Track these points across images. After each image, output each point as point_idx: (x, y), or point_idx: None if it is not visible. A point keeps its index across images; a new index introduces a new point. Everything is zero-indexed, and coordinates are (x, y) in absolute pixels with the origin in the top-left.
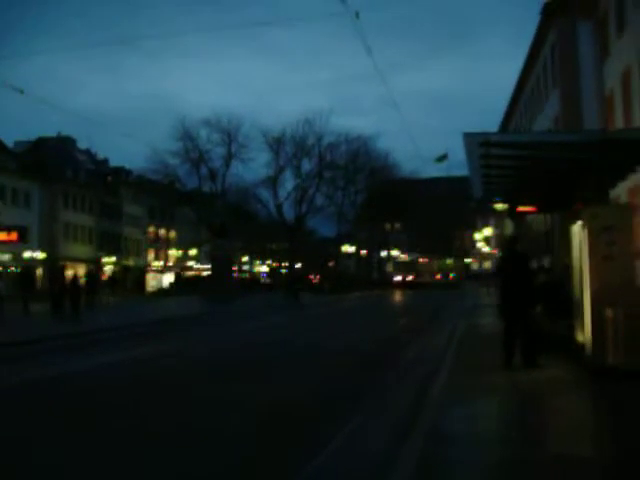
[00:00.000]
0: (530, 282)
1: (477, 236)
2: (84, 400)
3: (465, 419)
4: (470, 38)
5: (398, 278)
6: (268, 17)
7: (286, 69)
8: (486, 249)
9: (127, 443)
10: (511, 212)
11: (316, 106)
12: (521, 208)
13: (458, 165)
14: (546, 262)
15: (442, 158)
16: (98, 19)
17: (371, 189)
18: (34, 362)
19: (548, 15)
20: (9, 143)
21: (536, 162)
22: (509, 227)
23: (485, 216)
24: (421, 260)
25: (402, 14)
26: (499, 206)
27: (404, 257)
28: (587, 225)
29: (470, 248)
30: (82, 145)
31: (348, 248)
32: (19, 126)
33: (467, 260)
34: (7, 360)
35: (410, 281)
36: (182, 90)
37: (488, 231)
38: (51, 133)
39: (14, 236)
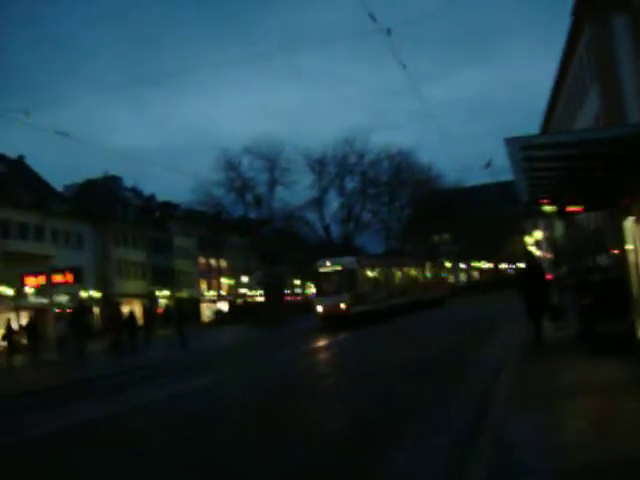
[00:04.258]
0: (545, 287)
1: (528, 240)
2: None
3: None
4: (499, 43)
5: (320, 309)
6: (293, 44)
7: (318, 91)
8: (538, 252)
9: None
10: (560, 213)
11: (353, 125)
12: (569, 208)
13: (505, 169)
14: (601, 260)
15: (487, 165)
16: (118, 59)
17: (416, 202)
18: (135, 391)
19: (580, 13)
20: (58, 187)
21: (580, 161)
22: (559, 228)
23: (534, 219)
24: (365, 272)
25: (427, 24)
26: (547, 208)
27: (329, 266)
28: None
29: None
30: (128, 183)
31: None
32: (66, 170)
33: (520, 265)
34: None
35: (341, 312)
36: (219, 122)
37: (538, 234)
38: (97, 174)
39: (70, 277)
